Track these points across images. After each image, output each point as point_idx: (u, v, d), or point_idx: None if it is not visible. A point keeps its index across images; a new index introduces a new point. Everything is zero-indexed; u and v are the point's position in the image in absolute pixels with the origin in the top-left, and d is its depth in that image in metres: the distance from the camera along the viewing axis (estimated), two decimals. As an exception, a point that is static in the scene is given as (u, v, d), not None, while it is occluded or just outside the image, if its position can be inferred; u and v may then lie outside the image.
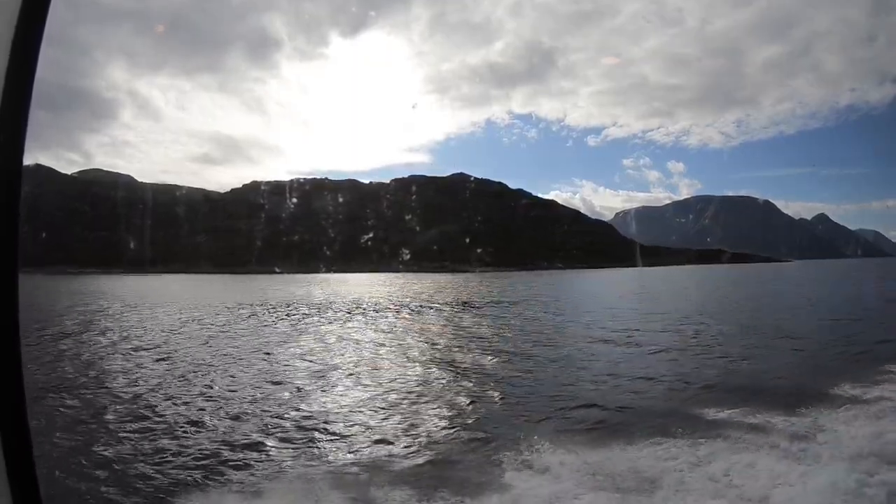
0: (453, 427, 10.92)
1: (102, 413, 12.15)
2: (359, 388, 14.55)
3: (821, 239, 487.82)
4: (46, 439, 9.77)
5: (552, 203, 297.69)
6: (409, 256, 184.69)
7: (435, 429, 10.90)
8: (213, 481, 8.49)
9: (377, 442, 10.20)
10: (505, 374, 15.96)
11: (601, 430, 10.33)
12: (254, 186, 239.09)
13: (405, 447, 9.83)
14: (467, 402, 12.72)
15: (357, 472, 8.73)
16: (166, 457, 9.44)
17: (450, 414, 11.82)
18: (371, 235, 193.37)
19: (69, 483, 8.19)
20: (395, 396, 13.39)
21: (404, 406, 12.56)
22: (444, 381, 15.06)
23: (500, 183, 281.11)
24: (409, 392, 13.85)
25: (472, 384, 14.53)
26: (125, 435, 10.61)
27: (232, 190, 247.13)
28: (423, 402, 12.88)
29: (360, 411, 12.22)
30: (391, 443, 10.09)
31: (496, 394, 13.47)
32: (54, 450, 9.41)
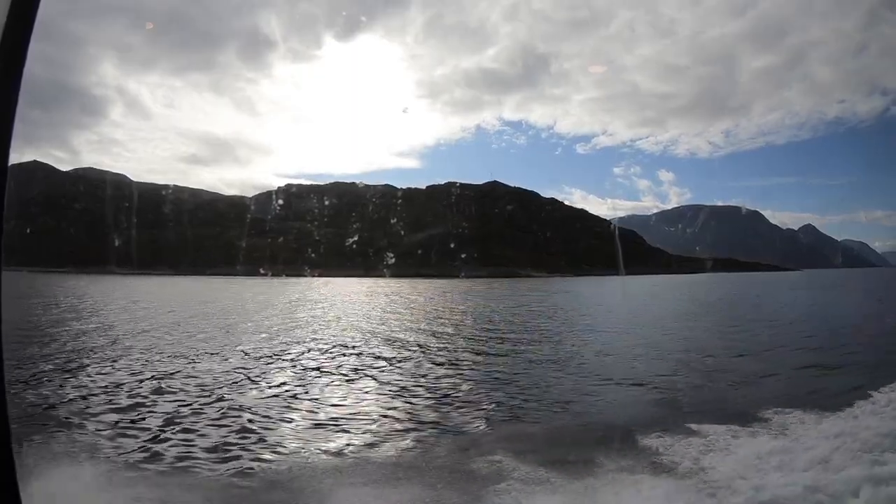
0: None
1: (88, 414, 12.09)
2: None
3: (809, 248, 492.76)
4: (29, 439, 9.87)
5: (582, 211, 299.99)
6: (393, 260, 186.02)
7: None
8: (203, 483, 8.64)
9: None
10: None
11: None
12: (286, 189, 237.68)
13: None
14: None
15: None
16: (154, 460, 9.42)
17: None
18: (356, 238, 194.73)
19: (51, 485, 8.07)
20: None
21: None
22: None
23: (532, 191, 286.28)
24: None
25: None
26: (111, 437, 10.63)
27: (260, 194, 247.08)
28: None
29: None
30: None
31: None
32: (36, 451, 9.42)
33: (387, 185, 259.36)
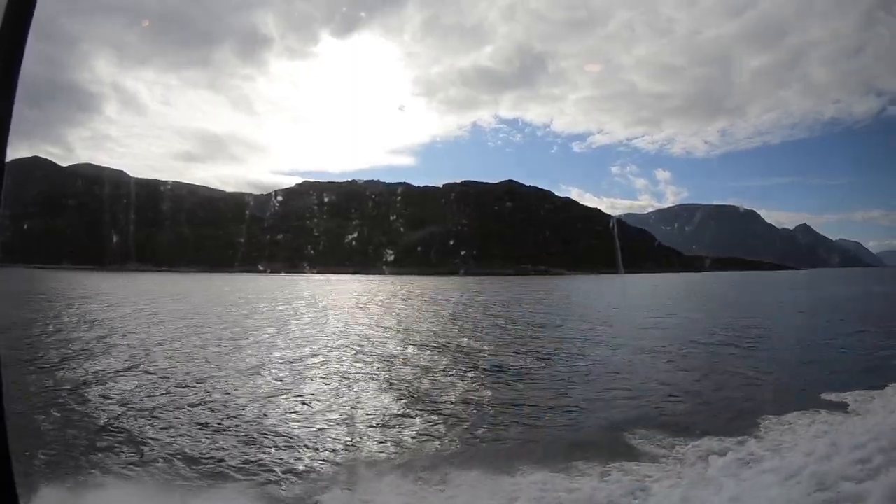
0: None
1: (85, 415, 12.22)
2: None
3: (805, 248, 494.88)
4: (26, 440, 10.01)
5: (596, 210, 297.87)
6: (393, 258, 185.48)
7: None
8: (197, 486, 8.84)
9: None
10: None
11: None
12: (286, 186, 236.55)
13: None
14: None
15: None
16: (151, 461, 9.52)
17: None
18: (356, 235, 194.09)
19: (48, 487, 8.09)
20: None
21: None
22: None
23: (547, 190, 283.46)
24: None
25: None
26: (107, 438, 10.69)
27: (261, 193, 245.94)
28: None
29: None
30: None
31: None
32: (33, 452, 9.52)
33: (391, 183, 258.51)
